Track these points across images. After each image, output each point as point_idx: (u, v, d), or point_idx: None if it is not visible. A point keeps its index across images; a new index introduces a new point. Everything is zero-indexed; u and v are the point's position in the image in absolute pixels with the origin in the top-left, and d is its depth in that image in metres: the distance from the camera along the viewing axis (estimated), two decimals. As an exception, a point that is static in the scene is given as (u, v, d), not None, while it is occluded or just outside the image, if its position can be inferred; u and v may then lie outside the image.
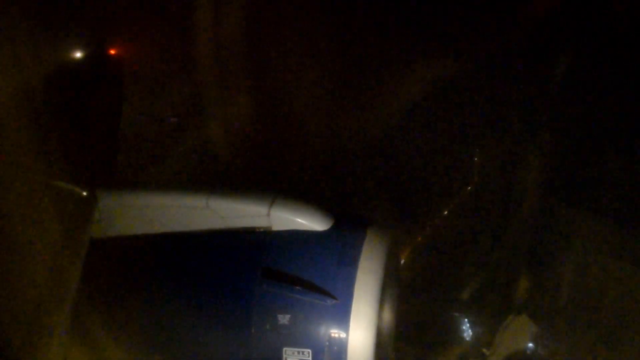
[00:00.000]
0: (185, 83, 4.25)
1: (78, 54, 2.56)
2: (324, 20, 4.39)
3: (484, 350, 4.05)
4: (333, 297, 2.46)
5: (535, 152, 4.42)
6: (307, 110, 4.49)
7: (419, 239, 4.19)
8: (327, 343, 2.45)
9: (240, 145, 4.42)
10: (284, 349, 2.48)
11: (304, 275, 2.53)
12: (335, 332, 2.45)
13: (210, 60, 4.26)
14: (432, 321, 4.12)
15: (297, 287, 2.49)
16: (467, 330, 4.13)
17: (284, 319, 2.48)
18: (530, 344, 4.06)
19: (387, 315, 2.65)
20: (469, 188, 4.44)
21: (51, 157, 2.39)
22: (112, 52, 2.78)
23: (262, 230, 2.68)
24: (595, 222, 4.12)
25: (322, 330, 2.46)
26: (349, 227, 2.68)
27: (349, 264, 2.52)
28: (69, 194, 2.60)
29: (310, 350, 2.46)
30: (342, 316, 2.45)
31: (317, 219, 2.68)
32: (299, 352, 2.47)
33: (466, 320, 4.14)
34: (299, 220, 2.66)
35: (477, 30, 4.34)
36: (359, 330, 2.44)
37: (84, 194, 2.65)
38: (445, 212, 4.40)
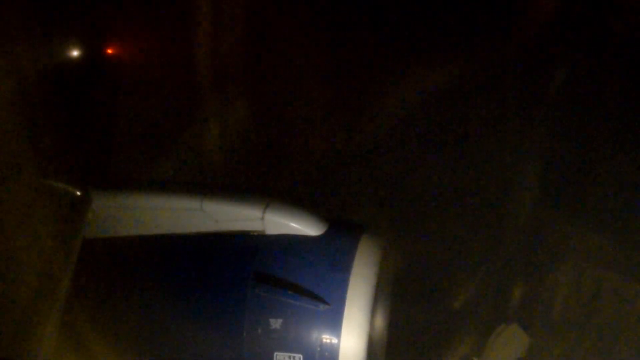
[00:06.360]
0: (182, 84, 4.25)
1: (74, 53, 2.55)
2: (324, 23, 4.40)
3: (474, 358, 4.04)
4: (325, 303, 2.46)
5: (531, 162, 4.43)
6: (305, 114, 4.49)
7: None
8: (319, 348, 2.44)
9: (236, 148, 4.43)
10: (275, 353, 2.47)
11: (296, 280, 2.52)
12: (327, 338, 2.44)
13: (208, 62, 4.26)
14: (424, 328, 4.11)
15: (290, 292, 2.48)
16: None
17: (275, 323, 2.47)
18: (521, 354, 4.05)
19: (380, 322, 2.64)
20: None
21: (45, 156, 2.39)
22: (109, 51, 2.78)
23: (255, 234, 2.68)
24: (589, 233, 4.13)
25: (314, 335, 2.45)
26: (342, 233, 2.68)
27: (342, 269, 2.52)
28: (63, 193, 2.59)
29: (301, 356, 2.45)
30: (334, 322, 2.44)
31: (311, 223, 2.68)
32: (290, 357, 2.46)
33: None
34: (293, 224, 2.66)
35: (476, 36, 4.36)
36: (350, 336, 2.43)
37: (78, 193, 2.64)
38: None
